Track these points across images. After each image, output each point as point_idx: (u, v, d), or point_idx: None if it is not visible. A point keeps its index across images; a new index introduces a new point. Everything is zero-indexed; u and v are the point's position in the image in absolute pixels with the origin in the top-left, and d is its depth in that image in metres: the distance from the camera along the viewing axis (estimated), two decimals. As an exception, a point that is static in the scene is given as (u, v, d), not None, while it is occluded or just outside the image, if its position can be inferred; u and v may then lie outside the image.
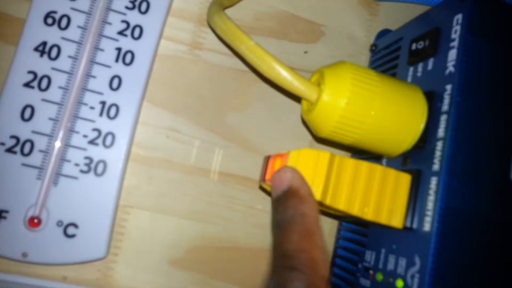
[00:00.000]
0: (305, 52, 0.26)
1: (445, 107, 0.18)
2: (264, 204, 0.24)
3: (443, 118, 0.18)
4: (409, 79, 0.21)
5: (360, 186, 0.18)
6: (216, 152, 0.24)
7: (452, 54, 0.19)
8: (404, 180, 0.18)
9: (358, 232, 0.22)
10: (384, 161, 0.21)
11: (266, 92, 0.25)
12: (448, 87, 0.18)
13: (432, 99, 0.19)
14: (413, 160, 0.19)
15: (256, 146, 0.24)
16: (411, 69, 0.21)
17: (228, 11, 0.24)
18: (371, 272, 0.20)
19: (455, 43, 0.19)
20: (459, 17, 0.19)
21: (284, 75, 0.18)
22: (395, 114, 0.18)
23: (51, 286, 0.21)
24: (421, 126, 0.19)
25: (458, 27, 0.19)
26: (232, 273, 0.23)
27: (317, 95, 0.18)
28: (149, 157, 0.23)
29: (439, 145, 0.18)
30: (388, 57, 0.24)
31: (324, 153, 0.17)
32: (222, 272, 0.23)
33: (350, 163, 0.18)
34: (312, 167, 0.17)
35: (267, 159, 0.19)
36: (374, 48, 0.26)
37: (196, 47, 0.24)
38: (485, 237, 0.17)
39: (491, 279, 0.17)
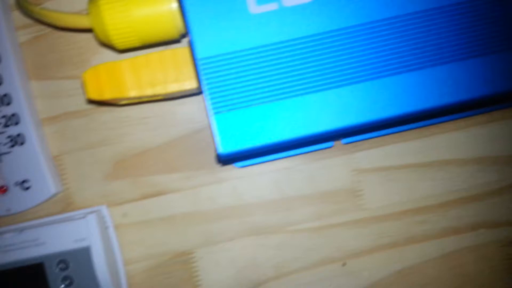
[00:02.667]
0: None
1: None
2: (152, 110, 0.31)
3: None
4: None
5: (146, 73, 0.24)
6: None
7: None
8: (182, 52, 0.24)
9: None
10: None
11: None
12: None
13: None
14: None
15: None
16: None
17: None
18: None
19: None
20: None
21: (64, 19, 0.24)
22: (148, 4, 0.24)
23: (33, 224, 0.31)
24: (173, 4, 0.24)
25: None
26: (152, 168, 0.32)
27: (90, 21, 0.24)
28: (55, 116, 0.31)
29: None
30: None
31: (104, 64, 0.23)
32: (145, 170, 0.32)
33: (129, 61, 0.24)
34: (102, 78, 0.24)
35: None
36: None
37: (40, 24, 0.30)
38: (241, 66, 0.23)
39: (255, 94, 0.23)
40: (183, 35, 0.26)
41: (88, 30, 0.25)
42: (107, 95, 0.24)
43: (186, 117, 0.32)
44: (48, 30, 0.31)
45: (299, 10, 0.23)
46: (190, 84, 0.24)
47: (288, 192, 0.33)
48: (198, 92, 0.29)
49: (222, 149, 0.23)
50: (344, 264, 0.33)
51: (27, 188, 0.30)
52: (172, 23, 0.24)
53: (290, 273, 0.33)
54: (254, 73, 0.23)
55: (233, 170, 0.32)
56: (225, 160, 0.23)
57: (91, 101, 0.24)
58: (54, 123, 0.31)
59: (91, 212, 0.30)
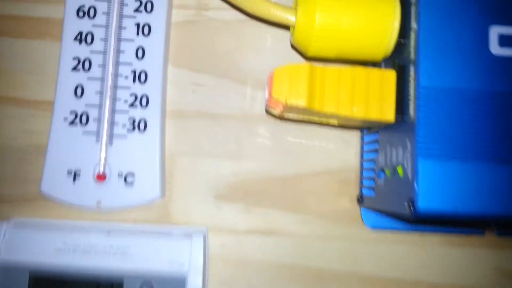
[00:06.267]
0: None
1: (413, -2, 0.19)
2: (292, 132, 0.27)
3: (413, 10, 0.19)
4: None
5: (346, 89, 0.20)
6: (236, 96, 0.27)
7: None
8: (389, 76, 0.20)
9: (373, 141, 0.24)
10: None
11: (270, 32, 0.27)
12: (415, -21, 0.20)
13: (405, -6, 0.20)
14: (398, 58, 0.21)
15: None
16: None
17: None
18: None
19: None
20: None
21: (263, 7, 0.21)
22: (366, 16, 0.20)
23: (124, 227, 0.25)
24: (396, 23, 0.20)
25: None
26: (270, 200, 0.27)
27: (295, 18, 0.20)
28: (181, 111, 0.27)
29: (413, 35, 0.19)
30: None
31: (304, 65, 0.19)
32: (262, 200, 0.27)
33: (332, 70, 0.20)
34: (295, 79, 0.19)
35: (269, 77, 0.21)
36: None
37: (202, 9, 0.27)
38: (469, 109, 0.18)
39: (481, 149, 0.18)
40: (385, 59, 0.22)
41: (283, 26, 0.21)
42: (293, 100, 0.19)
43: (327, 152, 0.27)
44: (205, 17, 0.27)
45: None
46: (389, 115, 0.20)
47: (414, 274, 0.27)
48: (373, 126, 0.24)
49: (421, 204, 0.18)
50: None
51: (130, 183, 0.25)
52: (385, 43, 0.20)
53: None
54: (481, 121, 0.19)
55: (360, 229, 0.27)
56: (419, 217, 0.18)
57: (269, 103, 0.20)
58: (180, 118, 0.27)
59: (197, 233, 0.24)
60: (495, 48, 0.19)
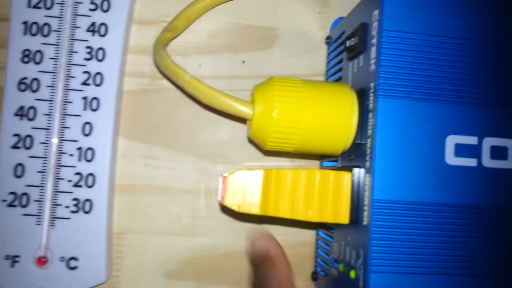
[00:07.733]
0: (243, 61, 0.27)
1: (370, 105, 0.19)
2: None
3: (370, 116, 0.19)
4: (350, 75, 0.22)
5: (301, 192, 0.19)
6: (191, 170, 0.26)
7: (373, 51, 0.19)
8: (345, 178, 0.20)
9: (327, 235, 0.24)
10: (339, 158, 0.22)
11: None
12: (372, 84, 0.19)
13: (363, 97, 0.20)
14: (355, 156, 0.20)
15: (230, 160, 0.26)
16: (350, 65, 0.22)
17: (181, 35, 0.26)
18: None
19: (375, 40, 0.19)
20: (376, 12, 0.19)
21: (219, 100, 0.20)
22: (324, 116, 0.19)
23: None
24: (353, 124, 0.19)
25: (376, 23, 0.19)
26: (223, 276, 0.26)
27: (252, 112, 0.20)
28: (132, 186, 0.25)
29: (369, 142, 0.19)
30: (337, 50, 0.25)
31: (258, 171, 0.19)
32: (215, 276, 0.26)
33: (287, 173, 0.19)
34: (249, 186, 0.18)
35: (222, 180, 0.20)
36: (328, 41, 0.27)
37: (156, 78, 0.26)
38: (426, 223, 0.18)
39: (434, 263, 0.18)
40: (344, 154, 0.21)
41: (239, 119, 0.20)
42: (246, 209, 0.18)
43: (282, 227, 0.26)
44: (160, 86, 0.26)
45: (499, 174, 0.19)
46: (344, 218, 0.19)
47: None
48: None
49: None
50: None
51: (73, 268, 0.23)
52: (344, 138, 0.20)
53: None
54: (434, 235, 0.18)
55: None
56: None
57: (222, 204, 0.19)
58: (130, 193, 0.25)
59: (145, 322, 0.23)
60: (450, 158, 0.19)
